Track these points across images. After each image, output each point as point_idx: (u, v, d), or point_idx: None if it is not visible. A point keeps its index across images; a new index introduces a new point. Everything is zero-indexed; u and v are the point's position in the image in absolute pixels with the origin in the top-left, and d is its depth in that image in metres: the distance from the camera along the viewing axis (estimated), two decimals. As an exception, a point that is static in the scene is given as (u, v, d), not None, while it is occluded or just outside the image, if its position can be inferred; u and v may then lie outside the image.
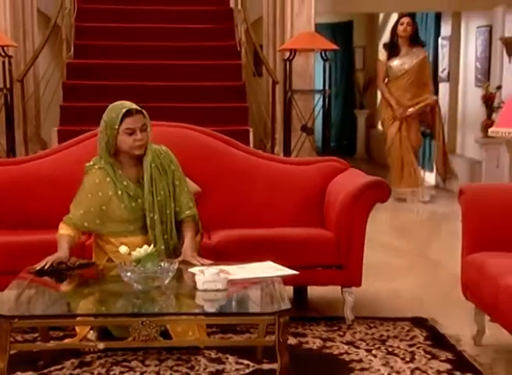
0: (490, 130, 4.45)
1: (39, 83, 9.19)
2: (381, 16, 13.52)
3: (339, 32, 13.92)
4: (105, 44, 9.44)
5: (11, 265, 4.30)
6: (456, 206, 4.51)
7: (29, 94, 8.66)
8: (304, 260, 4.52)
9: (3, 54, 7.88)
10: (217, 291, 3.52)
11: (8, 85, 7.93)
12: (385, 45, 8.96)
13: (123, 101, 4.11)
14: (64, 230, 4.08)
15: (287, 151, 7.91)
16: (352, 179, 4.92)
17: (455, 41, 11.24)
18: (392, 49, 8.73)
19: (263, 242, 4.63)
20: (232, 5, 10.31)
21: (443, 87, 11.36)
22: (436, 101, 9.32)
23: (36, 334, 4.25)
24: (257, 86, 9.59)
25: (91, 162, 4.14)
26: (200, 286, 3.53)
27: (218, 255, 4.49)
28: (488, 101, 9.46)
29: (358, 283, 4.70)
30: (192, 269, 3.74)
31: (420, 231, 7.84)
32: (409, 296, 5.33)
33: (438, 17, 11.47)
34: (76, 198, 4.14)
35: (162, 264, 3.62)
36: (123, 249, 3.72)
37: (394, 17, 12.81)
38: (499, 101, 9.45)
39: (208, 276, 3.54)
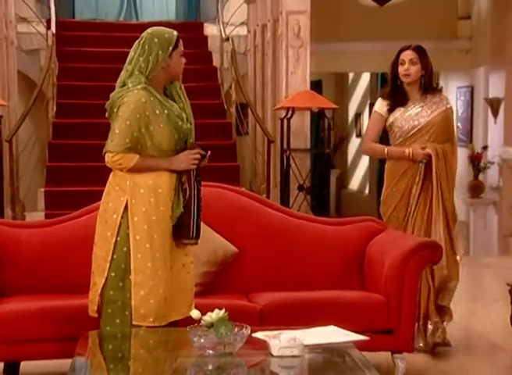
0: None
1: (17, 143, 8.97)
2: (351, 75, 13.61)
3: (310, 91, 13.99)
4: (88, 102, 9.25)
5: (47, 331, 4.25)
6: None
7: (16, 155, 8.44)
8: (352, 325, 4.18)
9: (-6, 114, 7.69)
10: (293, 357, 3.42)
11: (-2, 145, 7.74)
12: (384, 94, 5.50)
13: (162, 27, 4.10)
14: (132, 157, 3.88)
15: (285, 209, 7.79)
16: (396, 240, 4.88)
17: (434, 101, 11.35)
18: (396, 97, 5.40)
19: (310, 306, 4.56)
20: (215, 63, 10.23)
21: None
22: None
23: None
24: (244, 144, 9.51)
25: (129, 85, 3.90)
26: (275, 352, 3.44)
27: (265, 319, 4.43)
28: (475, 161, 9.53)
29: (411, 349, 4.56)
30: (258, 334, 3.61)
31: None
32: (452, 360, 5.19)
33: (414, 76, 11.56)
34: (118, 131, 3.91)
35: (234, 329, 3.51)
36: (195, 313, 3.60)
37: (366, 76, 12.94)
38: (485, 162, 9.53)
39: (283, 341, 3.44)
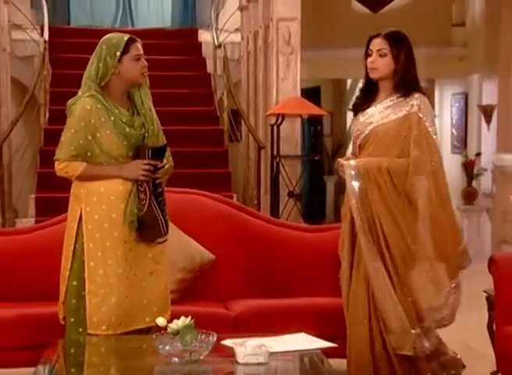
0: None
1: (10, 149, 8.94)
2: (348, 81, 13.55)
3: (307, 97, 13.88)
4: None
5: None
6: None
7: (6, 162, 8.40)
8: (329, 331, 4.24)
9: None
10: (258, 364, 3.40)
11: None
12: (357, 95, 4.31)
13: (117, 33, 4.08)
14: (79, 165, 3.85)
15: (275, 216, 7.71)
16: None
17: (429, 107, 11.31)
18: (359, 99, 4.25)
19: (285, 313, 4.60)
20: (209, 70, 10.20)
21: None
22: None
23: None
24: (237, 151, 9.48)
25: (79, 94, 3.93)
26: (240, 359, 3.41)
27: (239, 326, 4.44)
28: (469, 168, 9.49)
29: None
30: (227, 342, 3.59)
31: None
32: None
33: (410, 83, 11.52)
34: (64, 139, 3.88)
35: (201, 336, 3.47)
36: (160, 321, 3.57)
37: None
38: (478, 168, 9.48)
39: (249, 349, 3.42)
